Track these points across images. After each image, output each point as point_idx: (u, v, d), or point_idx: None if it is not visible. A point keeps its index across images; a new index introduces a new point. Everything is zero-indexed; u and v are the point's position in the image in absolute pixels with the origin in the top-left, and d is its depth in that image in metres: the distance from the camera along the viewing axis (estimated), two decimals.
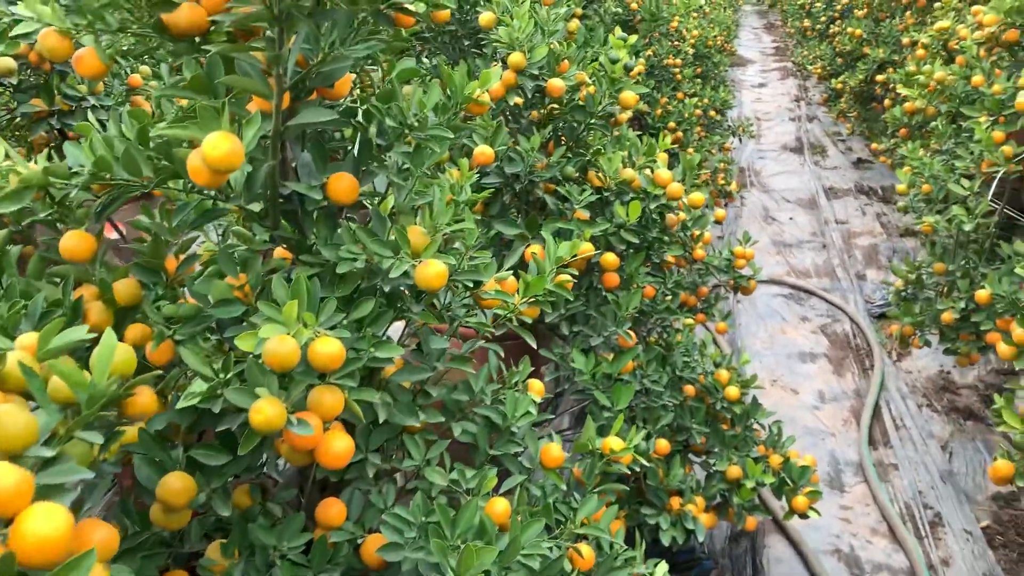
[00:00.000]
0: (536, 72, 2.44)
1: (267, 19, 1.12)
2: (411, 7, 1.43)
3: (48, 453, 0.90)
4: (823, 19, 9.12)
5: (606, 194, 2.63)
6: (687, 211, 2.81)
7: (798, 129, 9.38)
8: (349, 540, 1.54)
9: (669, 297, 2.89)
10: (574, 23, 3.12)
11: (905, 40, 5.73)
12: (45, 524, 0.80)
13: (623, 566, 1.79)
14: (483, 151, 2.34)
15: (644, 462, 2.05)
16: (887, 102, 6.01)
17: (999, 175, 3.23)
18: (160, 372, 1.19)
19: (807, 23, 9.91)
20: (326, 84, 1.30)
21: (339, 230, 1.38)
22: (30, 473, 0.82)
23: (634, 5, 5.49)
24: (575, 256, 1.90)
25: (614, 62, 2.54)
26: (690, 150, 5.73)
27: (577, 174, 2.71)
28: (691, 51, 6.50)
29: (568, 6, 2.83)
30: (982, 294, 2.94)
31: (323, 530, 1.52)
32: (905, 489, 3.54)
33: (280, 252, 1.59)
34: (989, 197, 3.22)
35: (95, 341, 1.03)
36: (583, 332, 2.59)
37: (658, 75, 5.97)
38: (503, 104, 2.50)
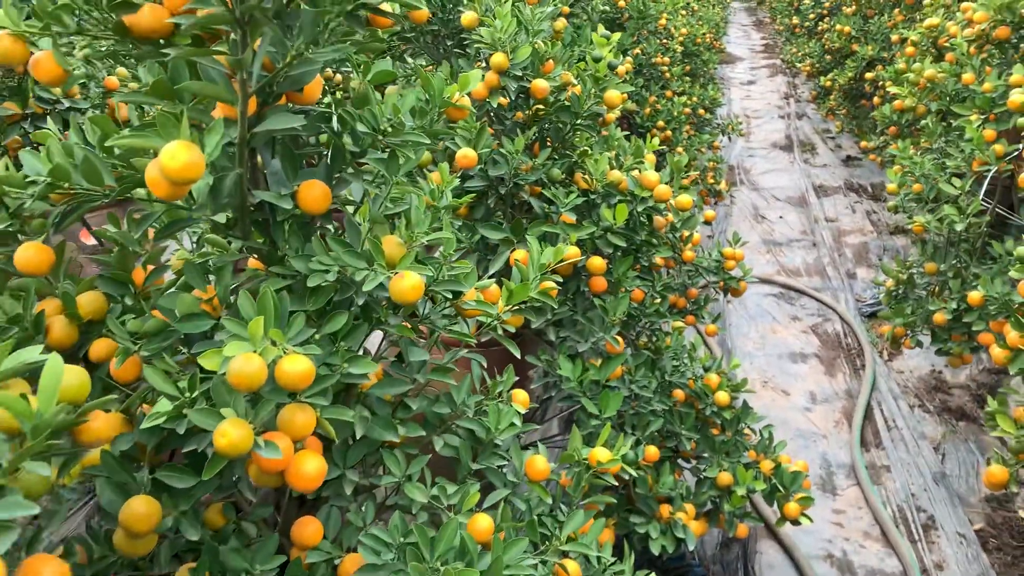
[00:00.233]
0: (519, 73, 2.38)
1: (228, 21, 1.06)
2: (386, 7, 1.37)
3: None
4: (812, 16, 9.09)
5: (593, 197, 2.57)
6: (675, 213, 2.76)
7: (787, 127, 9.35)
8: (326, 560, 1.48)
9: (658, 300, 2.84)
10: (560, 22, 3.07)
11: (894, 37, 5.71)
12: None
13: None
14: (466, 154, 2.29)
15: (632, 472, 2.00)
16: (876, 100, 5.98)
17: (990, 174, 3.19)
18: (115, 397, 1.13)
19: (796, 20, 9.87)
20: (295, 88, 1.25)
21: (312, 241, 1.32)
22: None
23: (622, 3, 5.44)
24: (560, 262, 1.85)
25: (597, 60, 2.49)
26: (679, 149, 5.69)
27: (564, 176, 2.66)
28: (680, 49, 6.45)
29: (554, 5, 2.77)
30: (975, 296, 2.90)
31: (299, 550, 1.46)
32: (898, 491, 3.50)
33: (255, 263, 1.54)
34: (980, 196, 3.18)
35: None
36: (570, 337, 2.54)
37: (646, 74, 5.92)
38: (486, 105, 2.45)
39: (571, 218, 2.48)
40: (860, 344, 4.71)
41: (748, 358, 4.65)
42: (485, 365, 1.83)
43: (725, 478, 2.62)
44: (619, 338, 2.48)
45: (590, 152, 2.66)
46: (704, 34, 7.40)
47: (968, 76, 3.50)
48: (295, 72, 1.21)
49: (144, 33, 1.24)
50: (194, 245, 1.75)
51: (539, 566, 1.63)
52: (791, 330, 4.99)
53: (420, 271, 1.28)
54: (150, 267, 1.54)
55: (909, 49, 4.55)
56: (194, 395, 1.21)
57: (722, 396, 2.70)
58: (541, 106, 2.58)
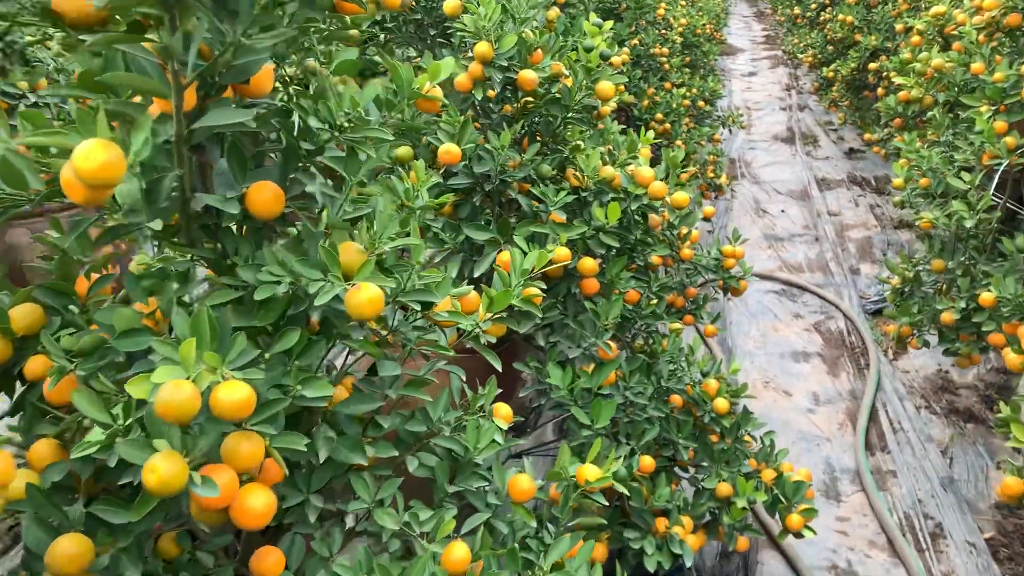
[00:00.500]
0: (505, 64, 2.25)
1: (152, 4, 0.93)
2: None
3: None
4: (813, 6, 8.93)
5: (584, 194, 2.44)
6: (670, 212, 2.63)
7: (789, 119, 9.20)
8: None
9: (654, 301, 2.71)
10: (553, 11, 2.93)
11: (899, 26, 5.56)
12: None
13: None
14: (448, 149, 2.16)
15: (624, 490, 1.87)
16: (880, 91, 5.84)
17: (1001, 167, 3.05)
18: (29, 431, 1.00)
19: (797, 10, 9.72)
20: (240, 80, 1.12)
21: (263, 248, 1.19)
22: None
23: None
24: (546, 265, 1.72)
25: (589, 50, 2.36)
26: (679, 142, 5.55)
27: (555, 171, 2.53)
28: (679, 40, 6.30)
29: None
30: (987, 297, 2.76)
31: None
32: (904, 497, 3.37)
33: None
34: (991, 191, 3.05)
35: None
36: (561, 342, 2.41)
37: (645, 65, 5.78)
38: (471, 98, 2.31)
39: (561, 217, 2.34)
40: (864, 342, 4.58)
41: (749, 357, 4.52)
42: (465, 377, 1.71)
43: (724, 489, 2.49)
44: (612, 343, 2.35)
45: (582, 147, 2.53)
46: (704, 25, 7.25)
47: (978, 65, 3.36)
48: (240, 61, 1.08)
49: (73, 20, 1.12)
50: (155, 250, 1.62)
51: None
52: (793, 328, 4.86)
53: (381, 282, 1.15)
54: (95, 276, 1.42)
55: (915, 38, 4.40)
56: (128, 423, 1.09)
57: (721, 403, 2.57)
58: (530, 98, 2.44)
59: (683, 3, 7.15)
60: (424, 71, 1.46)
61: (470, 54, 2.37)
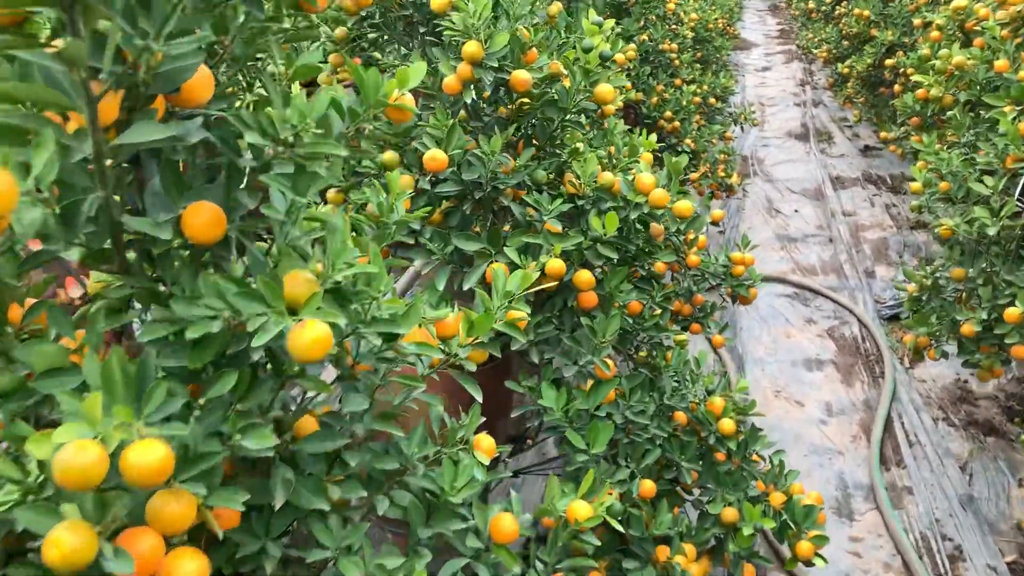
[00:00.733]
0: (496, 64, 2.11)
1: (46, 1, 0.80)
2: None
3: None
4: (828, 0, 8.73)
5: (581, 202, 2.30)
6: (672, 221, 2.48)
7: (803, 115, 9.01)
8: None
9: (658, 312, 2.57)
10: (555, 6, 2.78)
11: (917, 21, 5.38)
12: None
13: None
14: (434, 156, 2.02)
15: (619, 527, 1.73)
16: (896, 88, 5.64)
17: None
18: None
19: (812, 5, 9.51)
20: (169, 89, 0.98)
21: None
22: None
23: None
24: (531, 287, 1.58)
25: (587, 50, 2.21)
26: (688, 141, 5.39)
27: (552, 177, 2.39)
28: (690, 35, 6.13)
29: None
30: (1012, 312, 2.60)
31: None
32: (921, 517, 3.22)
33: None
34: (1016, 196, 2.88)
35: None
36: (556, 359, 2.27)
37: (654, 61, 5.61)
38: (461, 100, 2.17)
39: (556, 227, 2.20)
40: (879, 350, 4.42)
41: (760, 364, 4.36)
42: (445, 405, 1.57)
43: (730, 515, 2.35)
44: (609, 361, 2.21)
45: (581, 151, 2.38)
46: (717, 19, 7.07)
47: (1002, 63, 3.19)
48: (166, 68, 0.95)
49: None
50: None
51: None
52: (806, 334, 4.70)
53: (332, 317, 1.01)
54: (29, 302, 1.28)
55: (934, 34, 4.22)
56: (42, 479, 0.96)
57: (727, 424, 2.43)
58: (526, 100, 2.30)
59: None
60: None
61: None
